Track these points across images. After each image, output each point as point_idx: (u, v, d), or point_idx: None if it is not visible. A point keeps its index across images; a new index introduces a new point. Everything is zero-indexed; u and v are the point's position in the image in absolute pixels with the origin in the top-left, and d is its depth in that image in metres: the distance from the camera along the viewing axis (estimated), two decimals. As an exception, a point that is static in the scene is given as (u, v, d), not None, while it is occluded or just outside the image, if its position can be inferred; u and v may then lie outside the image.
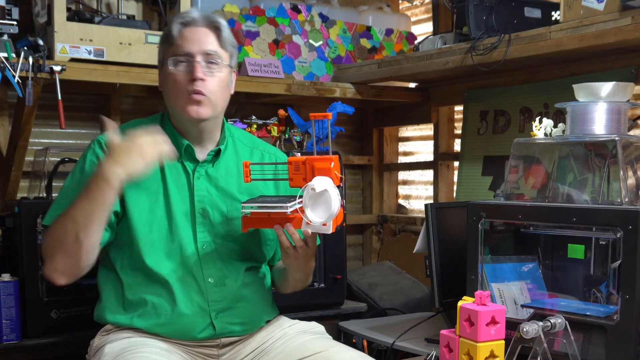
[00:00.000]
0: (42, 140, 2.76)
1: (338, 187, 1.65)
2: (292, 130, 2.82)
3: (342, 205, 1.66)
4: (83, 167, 1.80)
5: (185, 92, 1.75)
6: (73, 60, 2.37)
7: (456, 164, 3.19)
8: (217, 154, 1.86)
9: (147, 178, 1.77)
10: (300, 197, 1.64)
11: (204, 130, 1.83)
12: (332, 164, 1.65)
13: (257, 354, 1.85)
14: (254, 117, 2.81)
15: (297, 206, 1.64)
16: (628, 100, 1.90)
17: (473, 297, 1.59)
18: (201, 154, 1.85)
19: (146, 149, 1.64)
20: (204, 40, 1.78)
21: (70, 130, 2.81)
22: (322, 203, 1.62)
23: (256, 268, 1.90)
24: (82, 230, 1.64)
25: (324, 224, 1.63)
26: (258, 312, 1.88)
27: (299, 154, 1.79)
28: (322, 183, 1.62)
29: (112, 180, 1.62)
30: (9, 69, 2.19)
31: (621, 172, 1.76)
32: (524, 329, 1.64)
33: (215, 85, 1.78)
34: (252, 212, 1.70)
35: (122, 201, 1.77)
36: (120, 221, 1.79)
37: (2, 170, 2.62)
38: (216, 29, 1.80)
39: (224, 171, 1.87)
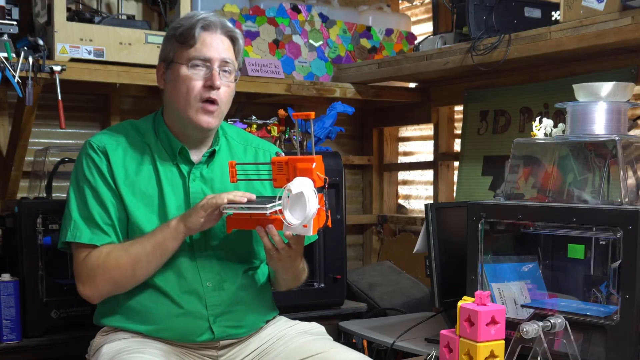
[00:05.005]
0: (42, 140, 2.75)
1: (322, 188, 1.62)
2: (292, 130, 2.82)
3: (325, 207, 1.63)
4: (84, 176, 1.79)
5: (199, 98, 1.75)
6: (73, 60, 2.37)
7: (456, 164, 3.18)
8: (211, 154, 1.85)
9: (143, 183, 1.78)
10: (280, 198, 1.61)
11: (205, 136, 1.84)
12: (314, 164, 1.62)
13: (257, 355, 1.84)
14: (254, 117, 2.81)
15: (277, 208, 1.61)
16: (628, 100, 1.90)
17: (473, 297, 1.58)
18: (196, 155, 1.84)
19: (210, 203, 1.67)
20: (222, 48, 1.78)
21: (70, 130, 2.81)
22: (301, 205, 1.58)
23: (254, 269, 1.89)
24: (140, 269, 1.73)
25: (304, 226, 1.59)
26: (256, 315, 1.87)
27: (283, 154, 1.77)
28: (300, 185, 1.58)
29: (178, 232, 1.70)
30: (9, 69, 2.18)
31: (621, 172, 1.76)
32: (524, 329, 1.64)
33: (227, 94, 1.80)
34: (234, 213, 1.67)
35: (125, 207, 1.77)
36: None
37: (2, 170, 2.62)
38: (233, 38, 1.82)
39: (219, 172, 1.85)
